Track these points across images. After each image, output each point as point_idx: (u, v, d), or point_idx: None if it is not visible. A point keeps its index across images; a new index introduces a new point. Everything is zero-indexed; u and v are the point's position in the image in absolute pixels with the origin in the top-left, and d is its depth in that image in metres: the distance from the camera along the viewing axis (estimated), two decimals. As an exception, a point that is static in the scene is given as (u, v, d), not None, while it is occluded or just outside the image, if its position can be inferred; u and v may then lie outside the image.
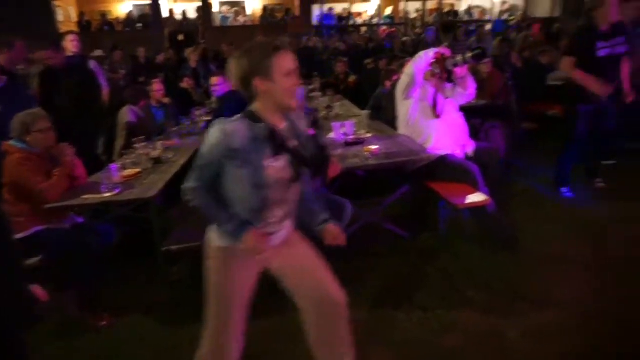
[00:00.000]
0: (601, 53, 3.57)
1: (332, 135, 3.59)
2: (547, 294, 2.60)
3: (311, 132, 3.19)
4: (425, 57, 3.12)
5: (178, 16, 14.52)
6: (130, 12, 16.05)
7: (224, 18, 16.55)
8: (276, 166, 1.58)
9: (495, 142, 4.58)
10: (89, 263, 2.55)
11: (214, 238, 1.70)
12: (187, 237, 2.66)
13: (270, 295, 2.02)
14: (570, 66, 3.65)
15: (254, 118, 1.57)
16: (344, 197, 2.93)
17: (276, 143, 1.57)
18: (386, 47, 10.33)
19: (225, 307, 1.71)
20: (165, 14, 14.69)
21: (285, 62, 1.54)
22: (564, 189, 4.00)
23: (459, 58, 3.08)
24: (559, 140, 4.12)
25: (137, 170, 3.12)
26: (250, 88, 1.55)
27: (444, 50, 3.16)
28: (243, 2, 17.94)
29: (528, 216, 3.55)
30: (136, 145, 3.42)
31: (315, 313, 1.79)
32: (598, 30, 3.61)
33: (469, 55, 3.05)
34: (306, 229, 1.85)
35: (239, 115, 1.59)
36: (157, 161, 3.30)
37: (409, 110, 3.33)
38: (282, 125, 1.64)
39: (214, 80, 4.26)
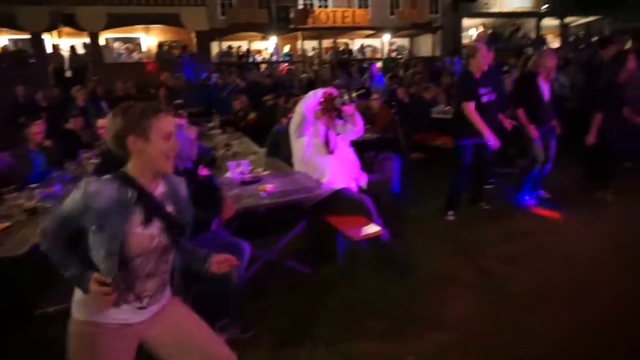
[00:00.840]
0: (484, 99, 4.04)
1: (228, 174, 3.55)
2: (438, 315, 2.77)
3: (205, 172, 3.14)
4: (314, 97, 3.26)
5: (64, 52, 13.60)
6: (5, 46, 14.71)
7: (118, 54, 15.89)
8: (145, 234, 1.48)
9: (388, 172, 4.88)
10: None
11: (75, 308, 1.51)
12: (67, 296, 2.41)
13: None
14: (470, 111, 4.02)
15: (126, 179, 1.47)
16: (243, 237, 2.88)
17: (148, 208, 1.48)
18: (285, 84, 10.62)
19: None
20: (49, 49, 13.70)
21: (165, 125, 1.48)
22: (449, 213, 4.36)
23: (346, 97, 3.26)
24: (446, 168, 4.50)
25: (6, 224, 2.79)
26: (124, 147, 1.47)
27: (331, 90, 3.33)
28: (138, 38, 17.40)
29: (418, 241, 3.78)
30: (6, 197, 3.06)
31: None
32: (475, 77, 4.07)
33: (354, 94, 3.25)
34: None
35: (110, 175, 1.49)
36: (33, 212, 2.99)
37: (303, 147, 3.43)
38: (158, 189, 1.56)
39: (101, 122, 4.02)
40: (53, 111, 7.14)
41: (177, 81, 9.90)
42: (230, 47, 17.79)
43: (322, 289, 3.14)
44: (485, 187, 4.78)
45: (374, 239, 3.13)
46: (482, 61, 4.04)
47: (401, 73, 11.07)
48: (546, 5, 19.63)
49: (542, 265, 3.30)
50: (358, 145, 4.03)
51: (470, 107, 4.03)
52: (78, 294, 1.51)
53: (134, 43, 16.64)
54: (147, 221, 1.48)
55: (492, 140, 4.00)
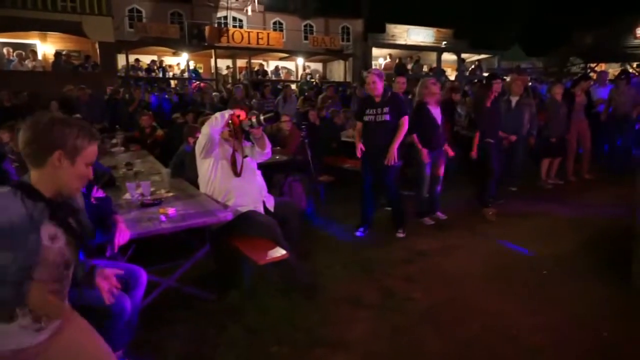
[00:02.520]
0: (366, 119, 4.32)
1: (127, 195, 3.34)
2: (343, 336, 2.80)
3: (99, 194, 2.91)
4: (221, 118, 3.21)
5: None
6: None
7: (8, 62, 14.41)
8: (54, 248, 1.39)
9: (297, 194, 4.92)
10: None
11: None
12: None
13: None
14: (355, 129, 4.27)
15: (30, 191, 1.37)
16: (141, 263, 2.70)
17: (58, 220, 1.41)
18: (196, 101, 10.34)
19: None
20: None
21: (92, 153, 1.49)
22: (359, 230, 4.50)
23: (254, 120, 3.25)
24: (355, 190, 4.65)
25: None
26: (43, 158, 1.38)
27: (239, 112, 3.31)
28: (33, 45, 15.96)
29: (327, 262, 3.84)
30: None
31: None
32: (367, 99, 4.33)
33: (262, 117, 3.25)
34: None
35: (5, 187, 1.36)
36: None
37: (209, 169, 3.34)
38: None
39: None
40: None
41: (80, 93, 9.18)
42: (137, 61, 16.97)
43: (226, 315, 3.03)
44: (388, 208, 5.00)
45: (280, 261, 3.11)
46: (372, 86, 4.28)
47: (314, 96, 11.38)
48: (445, 42, 21.59)
49: (438, 284, 3.50)
50: (268, 167, 4.03)
51: (355, 126, 4.33)
52: None
53: (28, 50, 15.21)
54: (55, 235, 1.39)
55: (359, 152, 4.32)
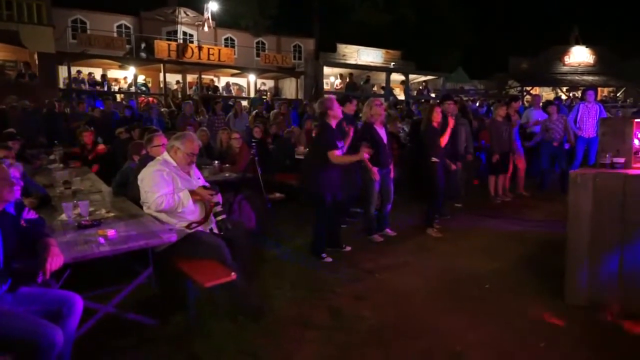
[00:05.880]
0: (338, 153, 4.24)
1: (63, 216, 3.14)
2: (289, 358, 2.75)
3: (31, 215, 2.73)
4: (186, 203, 3.17)
5: None
6: None
7: None
8: None
9: (247, 213, 4.85)
10: None
11: None
12: None
13: None
14: (336, 157, 4.19)
15: None
16: (78, 289, 2.54)
17: None
18: (143, 117, 10.03)
19: None
20: None
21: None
22: (323, 255, 4.36)
23: (220, 218, 3.31)
24: (306, 208, 4.61)
25: None
26: None
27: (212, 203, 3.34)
28: (-38, 52, 14.93)
29: (276, 283, 3.78)
30: None
31: None
32: (331, 129, 4.30)
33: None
34: None
35: None
36: None
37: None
38: None
39: None
40: None
41: (17, 105, 8.62)
42: (79, 73, 16.24)
43: (170, 342, 2.90)
44: (342, 226, 5.03)
45: (227, 283, 3.03)
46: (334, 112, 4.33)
47: (265, 113, 11.36)
48: (393, 63, 22.37)
49: (386, 302, 3.53)
50: (218, 185, 3.93)
51: (333, 155, 4.18)
52: None
53: (-45, 58, 14.21)
54: None
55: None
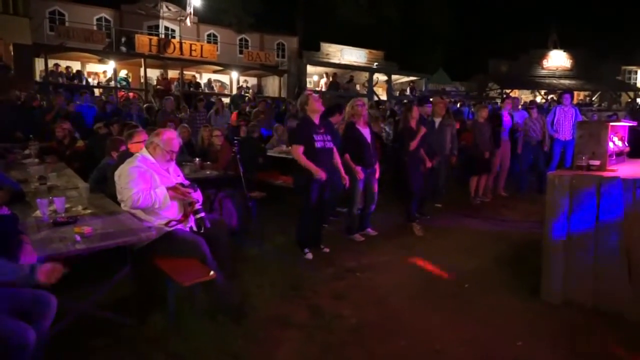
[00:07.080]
0: (317, 145, 4.24)
1: (37, 213, 3.06)
2: (268, 358, 2.74)
3: (4, 211, 2.65)
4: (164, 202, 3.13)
5: None
6: None
7: None
8: None
9: (228, 211, 4.80)
10: None
11: None
12: None
13: None
14: (298, 153, 4.20)
15: None
16: (52, 288, 2.47)
17: None
18: (122, 112, 9.84)
19: None
20: None
21: None
22: (305, 250, 4.41)
23: (199, 215, 3.26)
24: (287, 206, 4.59)
25: None
26: None
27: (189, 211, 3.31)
28: None
29: (256, 281, 3.75)
30: None
31: None
32: (312, 123, 4.29)
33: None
34: None
35: None
36: None
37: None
38: None
39: None
40: None
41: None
42: (57, 66, 15.84)
43: (149, 341, 2.85)
44: (324, 225, 5.03)
45: (207, 282, 2.99)
46: (316, 106, 4.34)
47: (247, 110, 11.27)
48: (376, 63, 22.47)
49: (366, 301, 3.55)
50: (199, 183, 3.88)
51: (296, 150, 4.22)
52: None
53: None
54: None
55: (320, 175, 4.19)
